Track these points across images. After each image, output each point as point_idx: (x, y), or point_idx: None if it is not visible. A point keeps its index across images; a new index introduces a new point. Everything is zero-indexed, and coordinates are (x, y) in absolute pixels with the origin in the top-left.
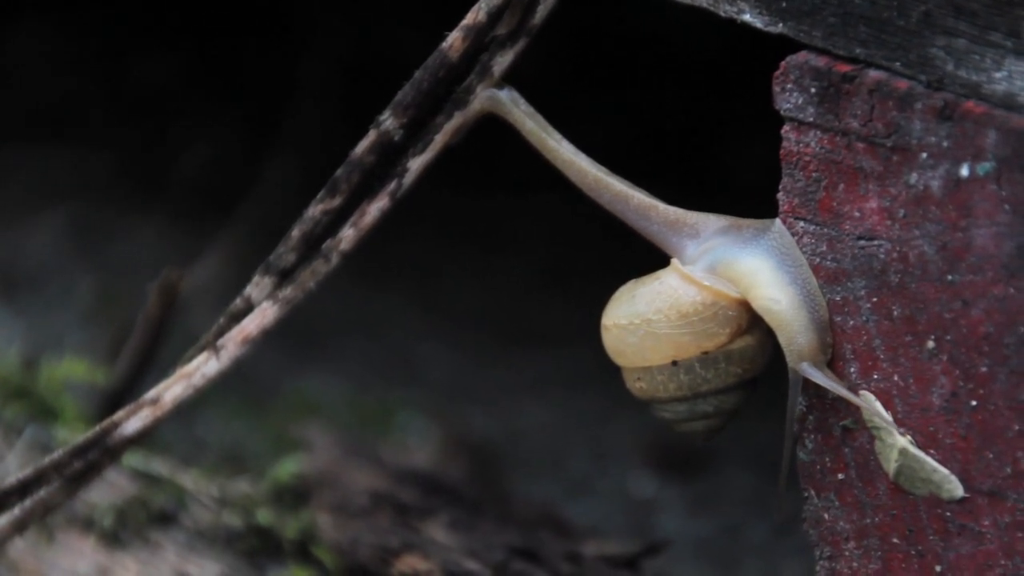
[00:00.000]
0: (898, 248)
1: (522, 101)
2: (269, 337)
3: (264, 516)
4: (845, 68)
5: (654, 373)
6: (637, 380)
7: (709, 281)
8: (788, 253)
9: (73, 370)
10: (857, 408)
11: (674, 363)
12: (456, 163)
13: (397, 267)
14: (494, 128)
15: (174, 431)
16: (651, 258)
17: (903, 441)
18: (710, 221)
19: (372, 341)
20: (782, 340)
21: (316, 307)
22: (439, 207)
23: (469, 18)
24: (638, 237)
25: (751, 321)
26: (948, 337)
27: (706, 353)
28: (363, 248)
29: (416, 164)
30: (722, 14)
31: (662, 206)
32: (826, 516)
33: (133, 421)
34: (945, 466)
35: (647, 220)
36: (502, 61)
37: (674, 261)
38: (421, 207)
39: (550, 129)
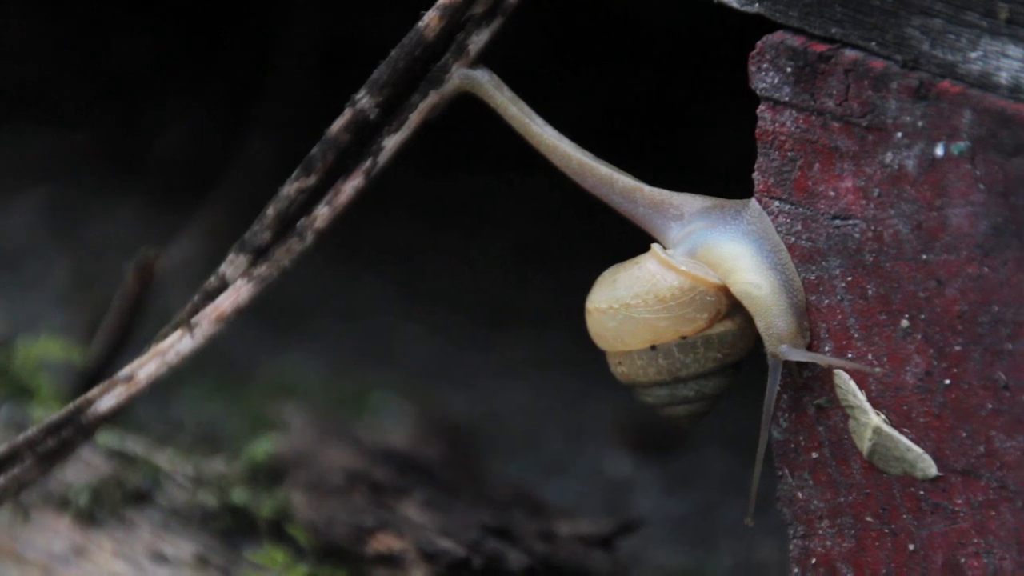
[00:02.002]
0: (873, 227)
1: (505, 87)
2: (246, 317)
3: (239, 495)
4: (821, 48)
5: (634, 357)
6: (618, 364)
7: (686, 266)
8: (767, 237)
9: (49, 349)
10: (831, 387)
11: (652, 347)
12: (434, 144)
13: (374, 248)
14: (472, 108)
15: (150, 411)
16: (629, 239)
17: (877, 420)
18: (694, 202)
19: (349, 322)
20: (760, 325)
21: (293, 288)
22: (416, 188)
23: None
24: (616, 219)
25: (731, 306)
26: (922, 316)
27: (684, 338)
28: (340, 228)
29: (391, 143)
30: None
31: (647, 188)
32: (800, 495)
33: (107, 399)
34: (919, 445)
35: (632, 203)
36: (478, 40)
37: (654, 246)
38: (398, 188)
39: (533, 115)
